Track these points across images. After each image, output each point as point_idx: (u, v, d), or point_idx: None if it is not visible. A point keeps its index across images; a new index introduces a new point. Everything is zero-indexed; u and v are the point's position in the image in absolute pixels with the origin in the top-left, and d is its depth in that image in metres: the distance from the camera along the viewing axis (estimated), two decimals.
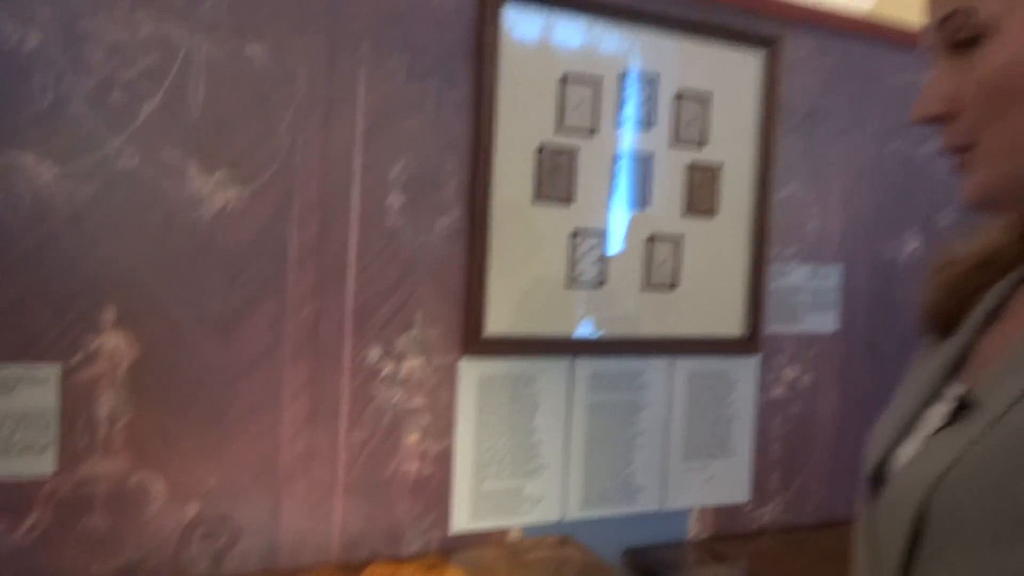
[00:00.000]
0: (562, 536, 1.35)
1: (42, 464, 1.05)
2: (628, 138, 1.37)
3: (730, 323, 1.50)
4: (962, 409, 0.50)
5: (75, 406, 1.06)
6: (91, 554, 1.08)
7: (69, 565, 1.07)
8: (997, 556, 0.44)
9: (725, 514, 1.53)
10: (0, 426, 1.02)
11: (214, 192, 1.13)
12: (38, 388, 1.04)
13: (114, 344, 1.09)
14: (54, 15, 1.03)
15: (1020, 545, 0.42)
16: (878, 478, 0.57)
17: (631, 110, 1.37)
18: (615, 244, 1.38)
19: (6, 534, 1.03)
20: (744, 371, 1.52)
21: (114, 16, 1.07)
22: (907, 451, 0.55)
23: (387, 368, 1.24)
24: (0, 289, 1.02)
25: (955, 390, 0.54)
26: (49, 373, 1.05)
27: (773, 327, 1.54)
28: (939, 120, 0.54)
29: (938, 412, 0.54)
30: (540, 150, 1.31)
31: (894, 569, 0.50)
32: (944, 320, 0.62)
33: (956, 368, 0.58)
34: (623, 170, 1.37)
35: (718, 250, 1.47)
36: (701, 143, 1.43)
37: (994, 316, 0.58)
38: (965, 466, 0.46)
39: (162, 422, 1.11)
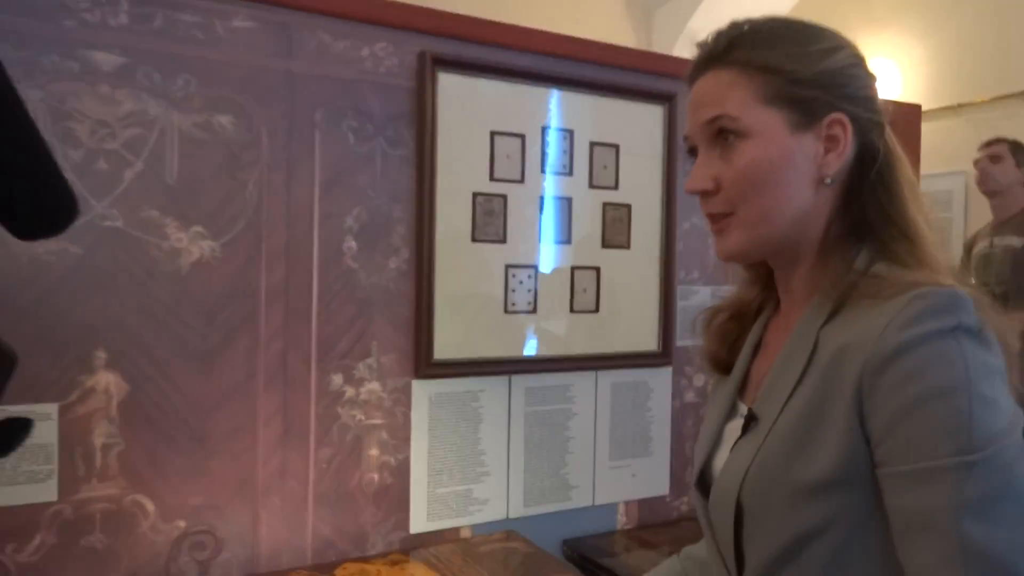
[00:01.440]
0: (508, 531, 1.55)
1: (46, 491, 1.19)
2: (551, 184, 1.59)
3: (646, 339, 1.72)
4: (749, 423, 0.72)
5: (73, 439, 1.20)
6: (91, 569, 1.21)
7: None
8: (788, 517, 0.68)
9: (648, 506, 1.75)
10: (7, 459, 1.16)
11: (191, 245, 1.29)
12: (39, 425, 1.17)
13: (106, 383, 1.23)
14: (43, 96, 1.18)
15: (799, 509, 0.67)
16: (703, 481, 0.79)
17: (552, 160, 1.59)
18: (544, 275, 1.59)
19: (16, 553, 1.17)
20: (659, 380, 1.75)
21: (98, 94, 1.23)
22: (720, 458, 0.78)
23: (349, 392, 1.41)
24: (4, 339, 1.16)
25: (742, 409, 0.78)
26: (49, 411, 1.19)
27: (683, 341, 1.77)
28: (706, 193, 0.74)
29: (734, 427, 0.77)
30: (475, 197, 1.52)
31: (729, 541, 0.73)
32: (722, 363, 0.85)
33: (740, 391, 0.81)
34: (548, 211, 1.59)
35: (633, 277, 1.70)
36: (614, 186, 1.67)
37: (757, 349, 0.82)
38: (757, 465, 0.70)
39: (151, 449, 1.26)
